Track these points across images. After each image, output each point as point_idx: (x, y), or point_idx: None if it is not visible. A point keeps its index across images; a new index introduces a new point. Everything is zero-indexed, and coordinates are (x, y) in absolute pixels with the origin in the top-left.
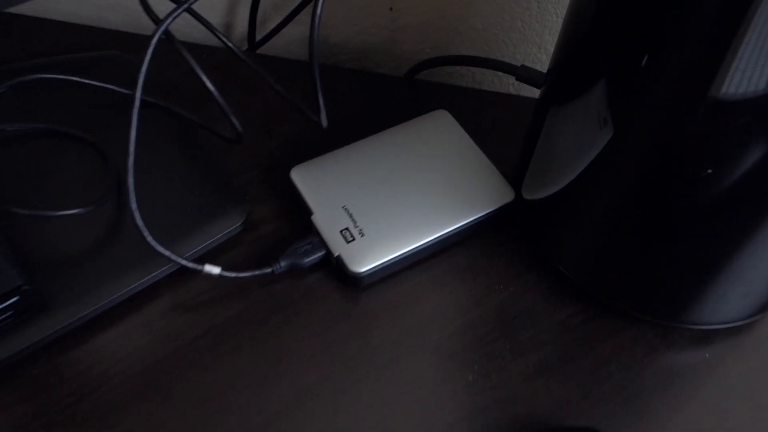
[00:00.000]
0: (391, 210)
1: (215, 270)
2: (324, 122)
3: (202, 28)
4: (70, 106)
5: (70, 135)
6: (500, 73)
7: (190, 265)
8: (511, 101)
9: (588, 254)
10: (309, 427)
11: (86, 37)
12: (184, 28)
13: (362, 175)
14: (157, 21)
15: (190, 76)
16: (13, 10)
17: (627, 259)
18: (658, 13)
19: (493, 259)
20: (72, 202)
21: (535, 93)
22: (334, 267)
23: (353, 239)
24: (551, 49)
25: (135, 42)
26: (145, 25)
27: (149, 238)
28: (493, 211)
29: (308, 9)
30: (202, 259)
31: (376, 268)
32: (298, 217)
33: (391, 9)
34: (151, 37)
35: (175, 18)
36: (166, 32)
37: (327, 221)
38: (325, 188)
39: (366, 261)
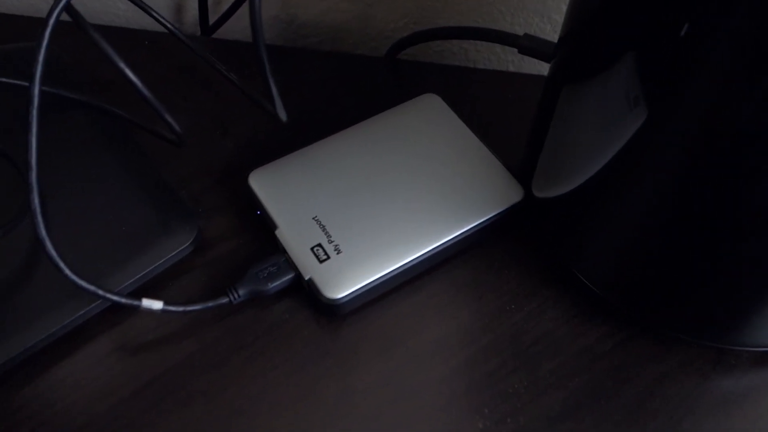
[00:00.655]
0: (374, 219)
1: (156, 305)
2: (282, 115)
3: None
4: None
5: None
6: (498, 48)
7: (123, 300)
8: (512, 80)
9: (618, 264)
10: None
11: (10, 29)
12: (128, 13)
13: (336, 177)
14: None
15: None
16: None
17: (668, 269)
18: None
19: (502, 273)
20: None
21: (540, 70)
22: (306, 292)
23: (327, 258)
24: (558, 18)
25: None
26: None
27: (66, 271)
28: (499, 213)
29: None
30: (142, 291)
31: (358, 292)
32: (260, 232)
33: None
34: (49, 14)
35: None
36: (69, 9)
37: (295, 236)
38: (292, 196)
39: (344, 284)
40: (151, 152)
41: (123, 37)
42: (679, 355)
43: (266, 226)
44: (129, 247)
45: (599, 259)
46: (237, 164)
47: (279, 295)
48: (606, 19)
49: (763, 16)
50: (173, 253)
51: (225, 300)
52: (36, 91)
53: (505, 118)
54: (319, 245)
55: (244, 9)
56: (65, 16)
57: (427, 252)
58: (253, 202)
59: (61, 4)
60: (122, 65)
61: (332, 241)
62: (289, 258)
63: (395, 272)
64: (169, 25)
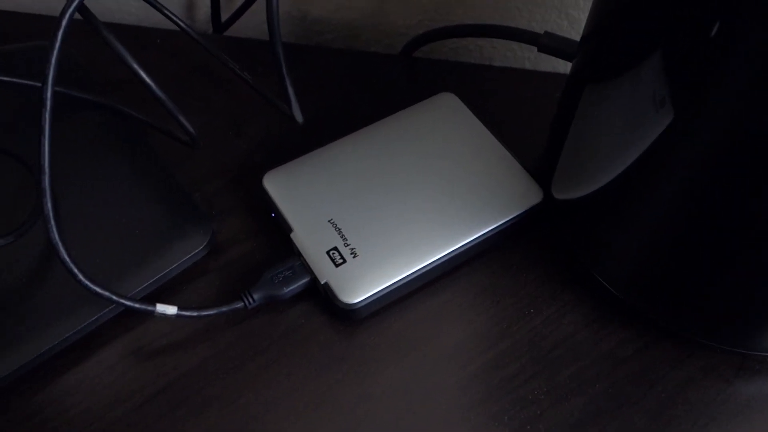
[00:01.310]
0: (390, 222)
1: (170, 310)
2: (298, 116)
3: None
4: None
5: None
6: (514, 45)
7: (137, 306)
8: (529, 78)
9: (640, 267)
10: None
11: (24, 28)
12: (140, 10)
13: (352, 179)
14: None
15: (143, 67)
16: None
17: (691, 272)
18: None
19: (520, 277)
20: None
21: (556, 67)
22: (321, 297)
23: (344, 261)
24: (575, 13)
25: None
26: (101, 11)
27: (80, 276)
28: (518, 215)
29: None
30: (156, 295)
31: (374, 297)
32: (275, 235)
33: None
34: (62, 14)
35: None
36: (82, 10)
37: (310, 240)
38: (307, 198)
39: (361, 288)
40: (163, 153)
41: (135, 35)
42: (701, 360)
43: (281, 228)
44: (142, 250)
45: (620, 262)
46: (251, 165)
47: (294, 300)
48: (632, 17)
49: None
50: (187, 257)
51: (240, 305)
52: (49, 94)
53: (522, 117)
54: (335, 249)
55: (257, 6)
56: (77, 16)
57: (444, 256)
58: (267, 204)
59: (74, 5)
60: (136, 66)
61: (348, 245)
62: (305, 261)
63: (412, 276)
64: (181, 23)
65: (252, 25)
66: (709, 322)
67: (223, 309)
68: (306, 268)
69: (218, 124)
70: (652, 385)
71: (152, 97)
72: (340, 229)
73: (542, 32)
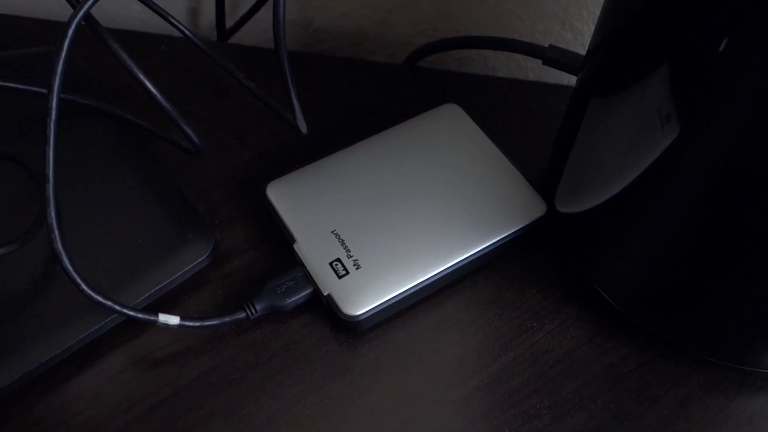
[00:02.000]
0: (393, 234)
1: (173, 320)
2: (303, 127)
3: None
4: None
5: None
6: (518, 56)
7: (140, 315)
8: (533, 90)
9: (643, 282)
10: None
11: (28, 32)
12: (143, 15)
13: (355, 189)
14: (75, 5)
15: (150, 78)
16: None
17: (695, 289)
18: None
19: (523, 290)
20: None
21: (560, 78)
22: (324, 308)
23: (346, 273)
24: (578, 25)
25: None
26: (103, 16)
27: (83, 285)
28: (521, 228)
29: None
30: (159, 305)
31: (377, 309)
32: (278, 245)
33: None
34: (68, 24)
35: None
36: (88, 18)
37: (313, 250)
38: (310, 208)
39: (364, 300)
40: (167, 161)
41: (139, 41)
42: (703, 376)
43: (284, 238)
44: (145, 259)
45: (623, 276)
46: (254, 175)
47: (297, 311)
48: (639, 32)
49: None
50: (190, 266)
51: (242, 315)
52: (54, 104)
53: (525, 128)
54: (338, 260)
55: (262, 14)
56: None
57: (447, 268)
58: (270, 214)
59: (80, 14)
60: (141, 76)
61: (351, 256)
62: (307, 272)
63: (415, 289)
64: (186, 31)
65: (256, 32)
66: (711, 338)
67: (226, 319)
68: (309, 279)
69: (222, 133)
70: (654, 401)
71: (156, 105)
72: (343, 240)
73: (546, 45)
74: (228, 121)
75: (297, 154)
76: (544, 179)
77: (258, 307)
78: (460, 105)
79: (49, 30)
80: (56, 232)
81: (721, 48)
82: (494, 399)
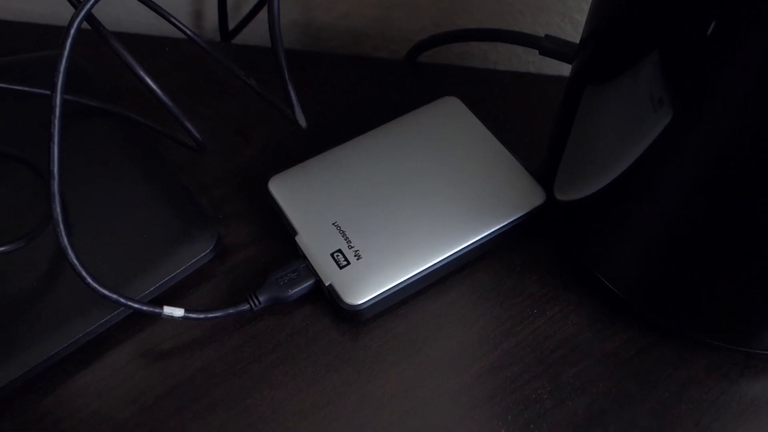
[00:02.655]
0: (393, 224)
1: (177, 312)
2: (302, 120)
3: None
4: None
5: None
6: (518, 49)
7: (145, 308)
8: (533, 82)
9: (642, 266)
10: None
11: (32, 37)
12: (150, 19)
13: (356, 182)
14: (76, 5)
15: (153, 77)
16: None
17: (694, 272)
18: None
19: (524, 277)
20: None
21: (560, 70)
22: (326, 299)
23: (348, 263)
24: (579, 17)
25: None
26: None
27: (88, 279)
28: (520, 217)
29: None
30: (164, 298)
31: (378, 298)
32: (280, 238)
33: None
34: (70, 24)
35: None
36: (90, 18)
37: (315, 242)
38: (312, 201)
39: (365, 290)
40: (172, 159)
41: (145, 44)
42: (705, 359)
43: (286, 231)
44: (150, 254)
45: (622, 261)
46: (257, 170)
47: (299, 302)
48: (629, 18)
49: None
50: (194, 260)
51: (246, 307)
52: (58, 101)
53: (526, 120)
54: (339, 251)
55: (263, 14)
56: (85, 25)
57: (448, 257)
58: (273, 208)
59: (81, 14)
60: (142, 74)
61: (352, 247)
62: (309, 264)
63: (416, 278)
64: (188, 32)
65: (259, 33)
66: (712, 320)
67: (230, 311)
68: (311, 271)
69: (226, 130)
70: (656, 385)
71: (159, 104)
72: (344, 232)
73: (543, 35)
74: (231, 119)
75: (300, 150)
76: (543, 168)
77: (261, 299)
78: (461, 98)
79: (56, 35)
80: (61, 226)
81: (709, 31)
82: (496, 385)
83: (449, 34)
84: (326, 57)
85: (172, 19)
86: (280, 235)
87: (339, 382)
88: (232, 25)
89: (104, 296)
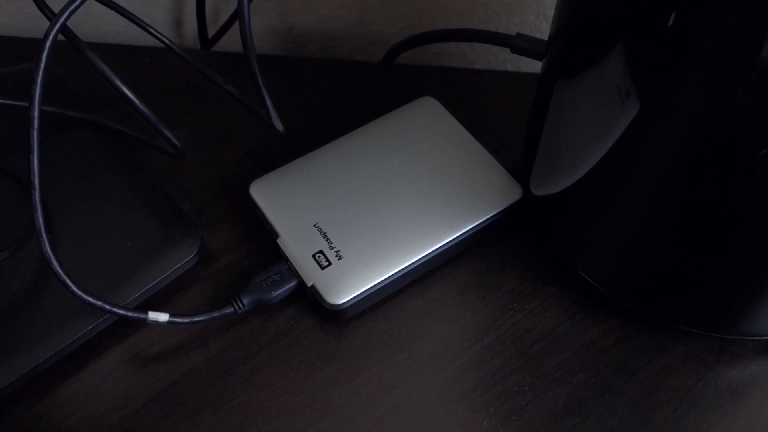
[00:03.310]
0: (374, 224)
1: (162, 317)
2: (278, 125)
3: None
4: None
5: None
6: (495, 48)
7: (130, 314)
8: (509, 80)
9: (619, 258)
10: None
11: (14, 50)
12: (130, 30)
13: (336, 184)
14: (51, 17)
15: (133, 87)
16: None
17: (670, 262)
18: None
19: (503, 273)
20: None
21: (537, 68)
22: (309, 299)
23: (329, 264)
24: (551, 14)
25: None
26: (91, 33)
27: (73, 287)
28: (498, 213)
29: None
30: (149, 304)
31: (360, 297)
32: (263, 242)
33: None
34: (45, 36)
35: (74, 11)
36: (65, 30)
37: (296, 244)
38: (292, 204)
39: (346, 289)
40: (155, 166)
41: (125, 55)
42: (682, 347)
43: (268, 235)
44: (134, 261)
45: (598, 253)
46: (238, 175)
47: (283, 303)
48: (592, 13)
49: (751, 3)
50: (178, 266)
51: (230, 310)
52: (36, 113)
53: (504, 118)
54: (321, 252)
55: None
56: (61, 37)
57: (428, 254)
58: (255, 212)
59: (56, 27)
60: (119, 83)
61: (333, 248)
62: (292, 266)
63: (397, 276)
64: (166, 41)
65: (238, 39)
66: (688, 309)
67: (214, 315)
68: (293, 272)
69: (207, 137)
70: (634, 374)
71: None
72: (325, 233)
73: (515, 34)
74: (212, 126)
75: (280, 154)
76: (520, 165)
77: (245, 302)
78: (439, 98)
79: (37, 48)
80: (44, 236)
81: (669, 22)
82: (478, 378)
83: (423, 35)
84: (305, 61)
85: (150, 29)
86: (263, 238)
87: (324, 381)
88: (211, 33)
89: (89, 303)
